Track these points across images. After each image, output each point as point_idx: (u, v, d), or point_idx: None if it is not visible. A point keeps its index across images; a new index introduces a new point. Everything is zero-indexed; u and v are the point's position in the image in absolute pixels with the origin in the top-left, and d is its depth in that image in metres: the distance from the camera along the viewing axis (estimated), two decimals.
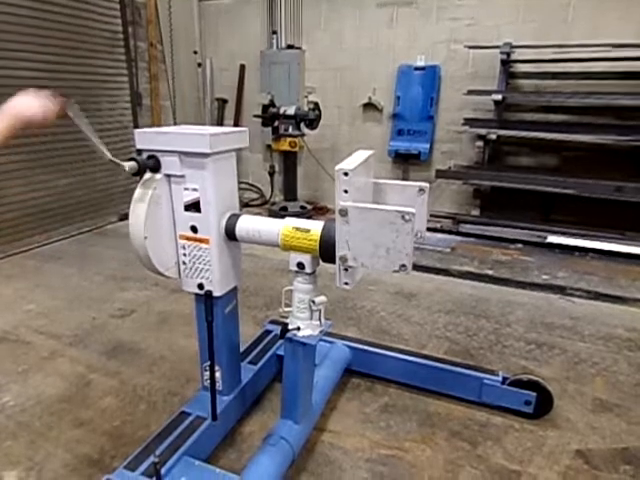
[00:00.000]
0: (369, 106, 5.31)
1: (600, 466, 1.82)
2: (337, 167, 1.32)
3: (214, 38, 5.97)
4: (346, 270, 1.44)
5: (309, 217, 4.88)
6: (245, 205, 5.72)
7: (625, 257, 3.90)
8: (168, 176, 1.60)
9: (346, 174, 1.31)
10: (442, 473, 1.79)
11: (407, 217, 1.27)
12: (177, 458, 1.59)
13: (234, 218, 1.65)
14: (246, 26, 5.71)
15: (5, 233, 4.10)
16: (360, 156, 1.48)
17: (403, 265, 1.34)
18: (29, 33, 4.04)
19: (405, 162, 5.24)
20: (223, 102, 6.11)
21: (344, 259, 1.40)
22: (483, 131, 4.49)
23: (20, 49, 4.00)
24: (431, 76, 4.88)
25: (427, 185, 1.54)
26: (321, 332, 1.65)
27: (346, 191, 1.32)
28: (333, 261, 1.44)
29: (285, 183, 5.31)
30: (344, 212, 1.33)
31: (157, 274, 1.66)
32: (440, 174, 4.73)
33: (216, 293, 1.68)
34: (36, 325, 2.88)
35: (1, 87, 3.87)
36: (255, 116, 5.02)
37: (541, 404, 2.03)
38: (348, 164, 1.35)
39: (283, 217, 1.61)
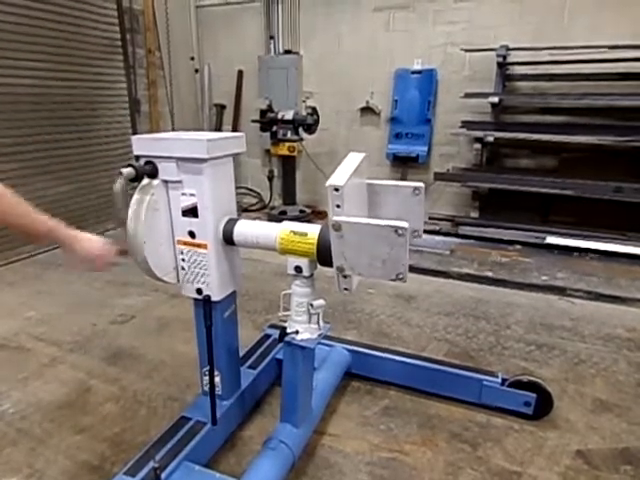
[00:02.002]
0: (367, 110, 5.32)
1: (600, 466, 1.82)
2: (327, 183, 1.31)
3: (212, 44, 6.00)
4: (345, 277, 1.44)
5: (308, 221, 4.88)
6: (244, 210, 5.74)
7: (624, 257, 3.90)
8: (165, 182, 1.60)
9: (337, 190, 1.31)
10: (442, 475, 1.79)
11: (400, 232, 1.27)
12: (177, 463, 1.59)
13: (232, 223, 1.66)
14: (243, 32, 5.73)
15: (5, 240, 4.11)
16: (352, 162, 1.47)
17: (399, 274, 1.35)
18: (26, 41, 4.05)
19: (403, 165, 5.25)
20: (221, 108, 6.13)
21: (341, 269, 1.41)
22: (480, 133, 4.50)
23: (17, 57, 4.01)
24: (428, 79, 4.90)
25: (422, 185, 1.54)
26: (320, 335, 1.65)
27: (338, 206, 1.32)
28: (331, 264, 1.44)
29: (284, 187, 5.32)
30: (337, 227, 1.33)
31: (156, 279, 1.67)
32: (438, 177, 4.75)
33: (215, 298, 1.68)
34: (36, 332, 2.88)
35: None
36: (253, 121, 5.04)
37: (541, 405, 2.03)
38: (339, 178, 1.34)
39: (282, 221, 1.62)
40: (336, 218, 1.32)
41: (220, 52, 5.97)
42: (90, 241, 1.52)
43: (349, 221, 1.32)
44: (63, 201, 4.61)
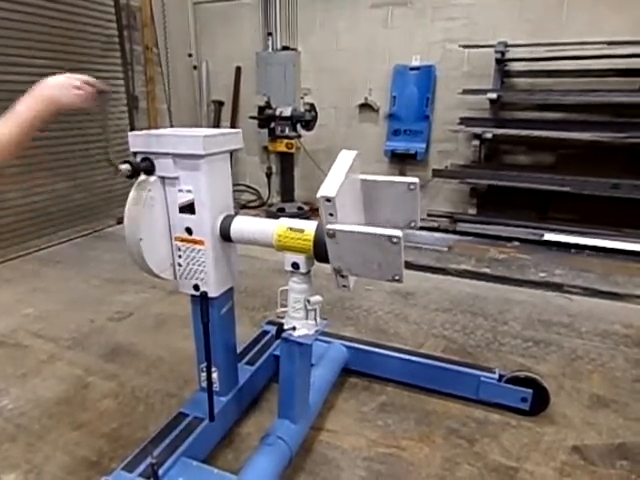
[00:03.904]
0: (365, 106, 5.32)
1: (596, 462, 1.83)
2: (318, 194, 1.30)
3: (209, 40, 5.98)
4: (342, 276, 1.45)
5: (306, 218, 4.88)
6: (243, 207, 5.73)
7: (622, 254, 3.90)
8: (162, 178, 1.60)
9: (329, 200, 1.30)
10: (440, 471, 1.80)
11: (395, 240, 1.28)
12: (175, 459, 1.60)
13: (229, 219, 1.66)
14: (241, 28, 5.72)
15: (3, 237, 4.11)
16: (344, 162, 1.46)
17: (396, 275, 1.36)
18: (24, 38, 4.04)
19: (402, 162, 5.25)
20: (219, 104, 6.11)
21: (338, 270, 1.41)
22: (479, 130, 4.50)
23: (15, 54, 3.99)
24: (426, 76, 4.89)
25: (417, 180, 1.53)
26: (317, 332, 1.65)
27: (331, 214, 1.32)
28: (328, 261, 1.44)
29: (282, 184, 5.32)
30: (332, 234, 1.33)
31: (153, 276, 1.67)
32: (437, 173, 4.74)
33: (212, 294, 1.68)
34: (34, 329, 2.88)
35: None
36: (251, 118, 5.04)
37: (538, 401, 2.04)
38: (330, 187, 1.32)
39: (279, 218, 1.62)
40: (330, 226, 1.32)
41: (218, 49, 5.95)
42: (54, 83, 1.34)
43: (343, 229, 1.32)
44: (61, 197, 4.60)
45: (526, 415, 2.06)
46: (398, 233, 1.28)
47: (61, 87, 1.34)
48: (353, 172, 1.48)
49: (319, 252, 1.49)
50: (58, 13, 4.31)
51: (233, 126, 6.01)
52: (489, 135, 4.43)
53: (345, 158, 1.48)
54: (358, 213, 1.58)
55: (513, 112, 4.68)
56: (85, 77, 1.40)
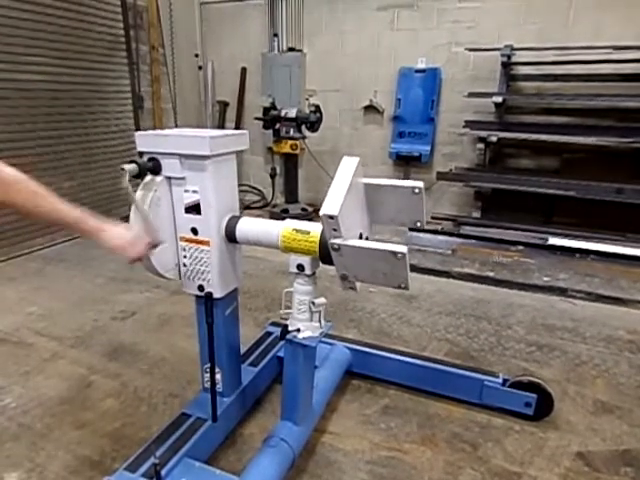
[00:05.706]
0: (370, 108, 5.32)
1: (601, 468, 1.82)
2: (321, 212, 1.30)
3: (215, 41, 5.99)
4: (349, 281, 1.45)
5: (310, 219, 4.88)
6: (246, 207, 5.73)
7: (626, 259, 3.88)
8: (168, 178, 1.60)
9: (332, 217, 1.29)
10: (442, 475, 1.79)
11: (399, 256, 1.29)
12: (177, 459, 1.60)
13: (234, 220, 1.66)
14: (247, 29, 5.73)
15: (8, 235, 4.11)
16: (346, 172, 1.44)
17: (402, 283, 1.37)
18: (31, 37, 4.05)
19: (406, 164, 5.25)
20: (224, 105, 6.12)
21: (344, 277, 1.41)
22: (484, 133, 4.50)
23: (22, 53, 4.01)
24: (432, 78, 4.89)
25: (421, 184, 1.52)
26: (321, 334, 1.65)
27: (335, 229, 1.31)
28: (333, 262, 1.44)
29: (286, 185, 5.32)
30: (336, 248, 1.34)
31: (157, 276, 1.67)
32: (441, 176, 4.74)
33: (216, 295, 1.68)
34: (38, 327, 2.88)
35: (3, 90, 3.91)
36: (256, 118, 5.04)
37: (541, 406, 2.03)
38: (333, 204, 1.31)
39: (284, 219, 1.61)
40: (334, 241, 1.33)
41: (223, 49, 5.96)
42: (118, 235, 1.45)
43: (347, 244, 1.32)
44: (65, 197, 4.58)
45: (529, 420, 2.05)
46: (403, 249, 1.28)
47: (116, 248, 1.44)
48: (357, 176, 1.48)
49: (325, 254, 1.48)
50: (66, 12, 4.32)
51: (238, 127, 6.02)
52: (494, 138, 4.43)
53: (347, 166, 1.46)
54: (362, 215, 1.57)
55: (518, 116, 4.68)
56: (144, 244, 1.49)
